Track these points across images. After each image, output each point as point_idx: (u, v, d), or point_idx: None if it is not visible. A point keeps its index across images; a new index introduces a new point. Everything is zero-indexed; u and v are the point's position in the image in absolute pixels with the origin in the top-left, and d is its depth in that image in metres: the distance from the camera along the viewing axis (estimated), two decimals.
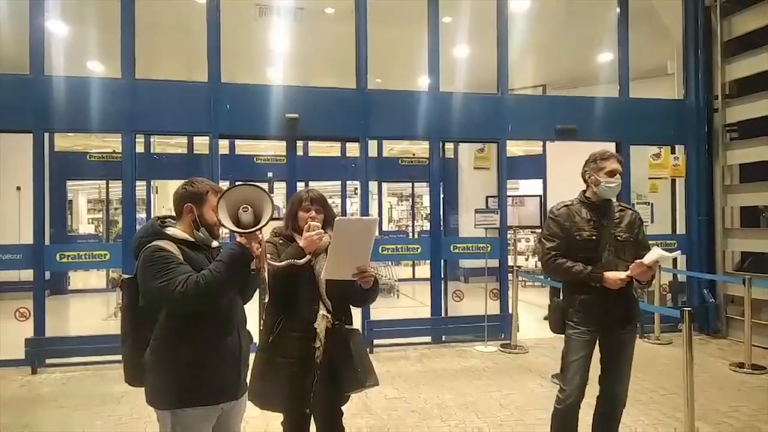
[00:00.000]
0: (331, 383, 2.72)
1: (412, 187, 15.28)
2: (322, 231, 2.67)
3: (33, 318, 6.20)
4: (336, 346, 2.71)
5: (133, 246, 2.40)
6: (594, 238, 3.28)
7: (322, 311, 2.72)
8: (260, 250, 2.30)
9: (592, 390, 3.47)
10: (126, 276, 2.39)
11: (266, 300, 2.50)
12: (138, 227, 2.81)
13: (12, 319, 6.31)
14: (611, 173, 3.30)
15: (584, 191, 3.43)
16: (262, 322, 2.81)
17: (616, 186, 3.32)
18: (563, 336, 3.47)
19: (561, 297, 3.49)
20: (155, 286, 2.21)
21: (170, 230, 2.39)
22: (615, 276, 3.19)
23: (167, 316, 2.30)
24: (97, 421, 4.68)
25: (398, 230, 19.25)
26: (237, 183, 2.28)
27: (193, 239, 2.41)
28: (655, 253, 3.12)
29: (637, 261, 3.15)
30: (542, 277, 8.41)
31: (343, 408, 2.89)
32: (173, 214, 2.57)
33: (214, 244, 2.53)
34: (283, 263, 2.60)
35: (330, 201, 3.06)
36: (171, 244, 2.32)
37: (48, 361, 6.24)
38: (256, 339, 2.66)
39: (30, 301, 6.22)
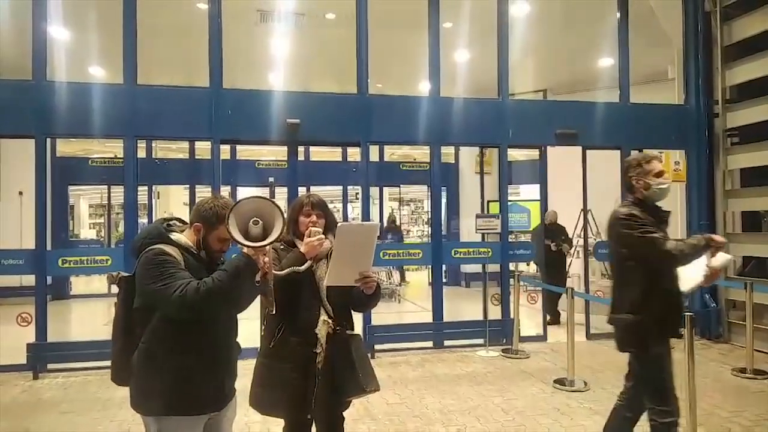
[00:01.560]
0: (333, 389, 2.72)
1: (429, 191, 15.25)
2: (323, 236, 2.67)
3: (35, 323, 6.21)
4: (337, 352, 2.71)
5: (134, 245, 2.38)
6: None
7: (323, 316, 2.71)
8: (266, 263, 2.28)
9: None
10: (125, 274, 2.36)
11: (272, 312, 2.47)
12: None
13: (14, 324, 6.31)
14: (659, 174, 3.21)
15: (634, 196, 3.29)
16: (263, 328, 2.80)
17: (667, 187, 3.23)
18: (630, 353, 3.31)
19: (631, 311, 3.21)
20: (154, 288, 2.19)
21: (175, 236, 2.37)
22: (721, 239, 3.07)
23: (160, 320, 2.27)
24: (99, 426, 4.68)
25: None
26: (251, 195, 2.25)
27: (195, 249, 2.40)
28: (723, 257, 3.06)
29: (708, 265, 3.06)
30: (542, 281, 8.40)
31: (344, 413, 2.89)
32: (178, 216, 2.56)
33: None
34: (284, 272, 2.59)
35: (331, 206, 3.06)
36: (174, 249, 2.31)
37: (50, 366, 6.25)
38: (243, 346, 2.61)
39: (32, 306, 6.23)
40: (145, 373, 2.29)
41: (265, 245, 2.21)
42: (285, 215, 2.25)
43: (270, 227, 2.23)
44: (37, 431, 4.64)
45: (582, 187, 7.93)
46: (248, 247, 2.21)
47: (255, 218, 2.22)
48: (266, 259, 2.27)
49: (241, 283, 2.22)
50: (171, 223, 2.46)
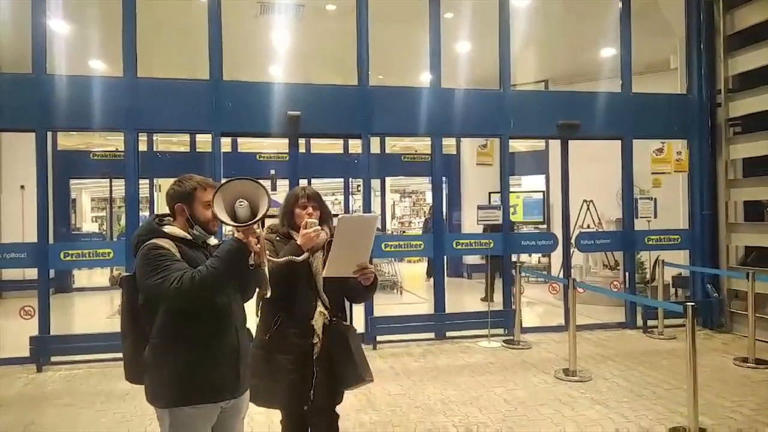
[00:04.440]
0: (330, 379, 2.73)
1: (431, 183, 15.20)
2: (319, 228, 2.68)
3: (38, 316, 6.22)
4: (334, 343, 2.72)
5: (132, 244, 2.41)
6: None
7: (320, 308, 2.73)
8: (259, 245, 2.28)
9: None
10: (125, 274, 2.40)
11: (267, 295, 2.49)
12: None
13: (17, 317, 6.33)
14: None
15: None
16: (258, 319, 2.81)
17: None
18: None
19: None
20: (151, 282, 2.21)
21: (168, 228, 2.39)
22: None
23: (165, 314, 2.30)
24: (102, 418, 4.70)
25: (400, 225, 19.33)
26: (232, 177, 2.26)
27: (190, 237, 2.41)
28: None
29: None
30: (545, 272, 8.41)
31: (345, 404, 2.90)
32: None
33: (213, 241, 2.52)
34: (282, 259, 2.60)
35: (333, 198, 3.06)
36: (168, 242, 2.32)
37: (53, 358, 6.28)
38: None
39: (34, 300, 6.24)
40: (158, 367, 2.31)
41: (253, 224, 2.21)
42: (269, 193, 2.24)
43: (256, 207, 2.23)
44: (41, 424, 4.67)
45: (564, 178, 7.85)
46: (236, 227, 2.22)
47: (241, 199, 2.22)
48: (258, 246, 2.27)
49: (235, 266, 2.23)
50: (164, 218, 2.47)
